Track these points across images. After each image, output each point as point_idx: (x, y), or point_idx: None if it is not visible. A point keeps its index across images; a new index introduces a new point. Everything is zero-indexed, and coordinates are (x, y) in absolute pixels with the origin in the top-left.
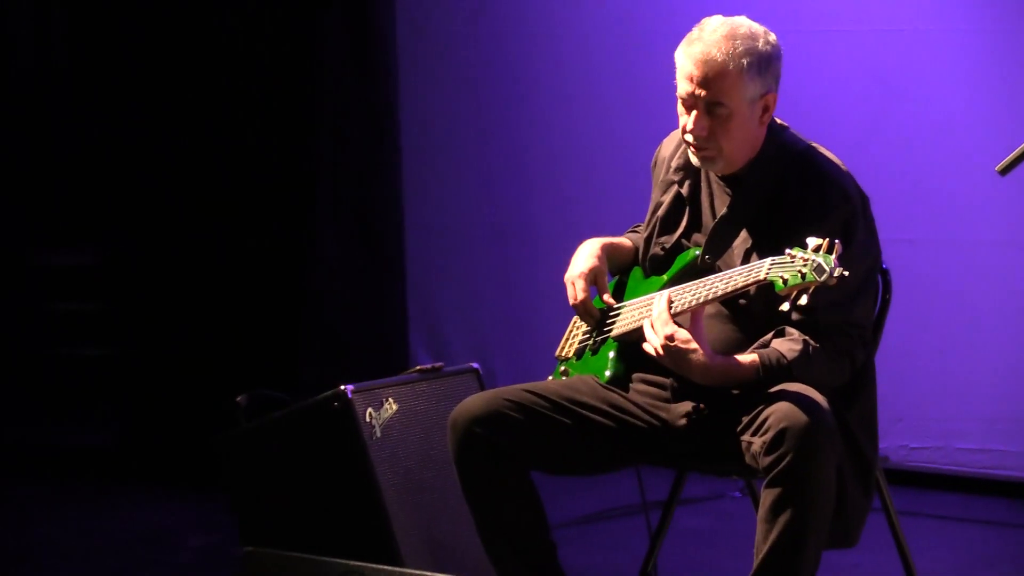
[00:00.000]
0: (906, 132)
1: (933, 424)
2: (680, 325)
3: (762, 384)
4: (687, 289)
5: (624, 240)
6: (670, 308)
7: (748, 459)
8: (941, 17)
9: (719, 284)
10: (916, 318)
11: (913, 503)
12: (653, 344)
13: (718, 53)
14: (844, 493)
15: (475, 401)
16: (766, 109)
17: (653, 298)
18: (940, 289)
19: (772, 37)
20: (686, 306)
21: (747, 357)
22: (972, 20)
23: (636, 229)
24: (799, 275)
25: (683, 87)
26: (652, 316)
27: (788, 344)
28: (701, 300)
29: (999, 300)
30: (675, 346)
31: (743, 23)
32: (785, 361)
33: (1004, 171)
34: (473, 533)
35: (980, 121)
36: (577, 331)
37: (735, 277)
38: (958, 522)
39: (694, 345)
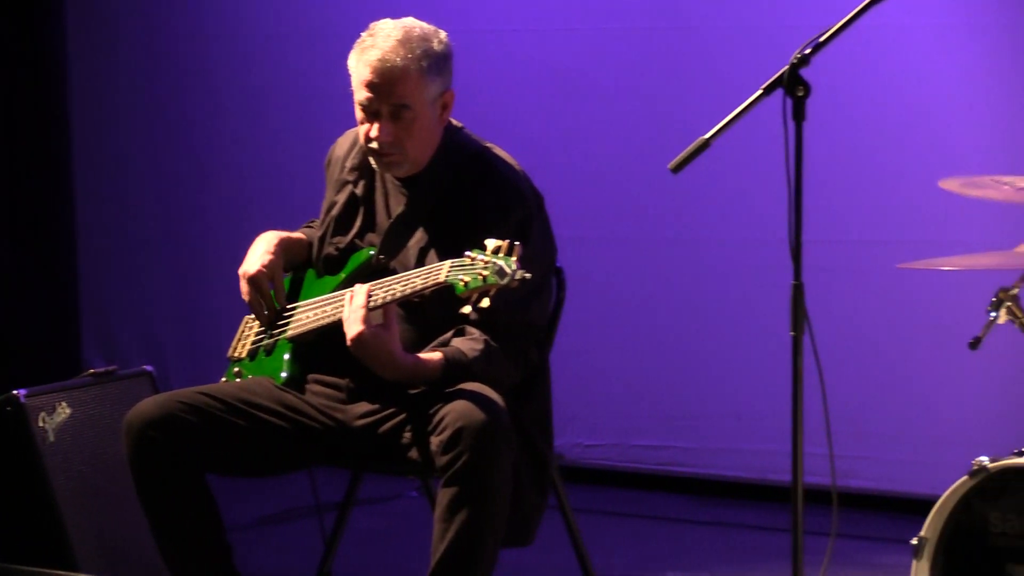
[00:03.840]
0: (581, 131)
1: (608, 421)
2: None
3: (445, 382)
4: (380, 286)
5: (301, 235)
6: (367, 303)
7: (425, 458)
8: (616, 15)
9: (397, 286)
10: (591, 316)
11: (589, 500)
12: (348, 336)
13: (396, 58)
14: (520, 491)
15: (149, 404)
16: (445, 107)
17: (328, 298)
18: (615, 287)
19: (443, 35)
20: (378, 303)
21: (433, 355)
22: (648, 18)
23: (311, 224)
24: (480, 278)
25: (362, 95)
26: (349, 309)
27: (469, 343)
28: (397, 297)
29: (672, 297)
30: (368, 341)
31: (414, 24)
32: (466, 360)
33: (676, 169)
34: (149, 536)
35: (654, 119)
36: (250, 331)
37: (414, 279)
38: (634, 519)
39: (386, 341)
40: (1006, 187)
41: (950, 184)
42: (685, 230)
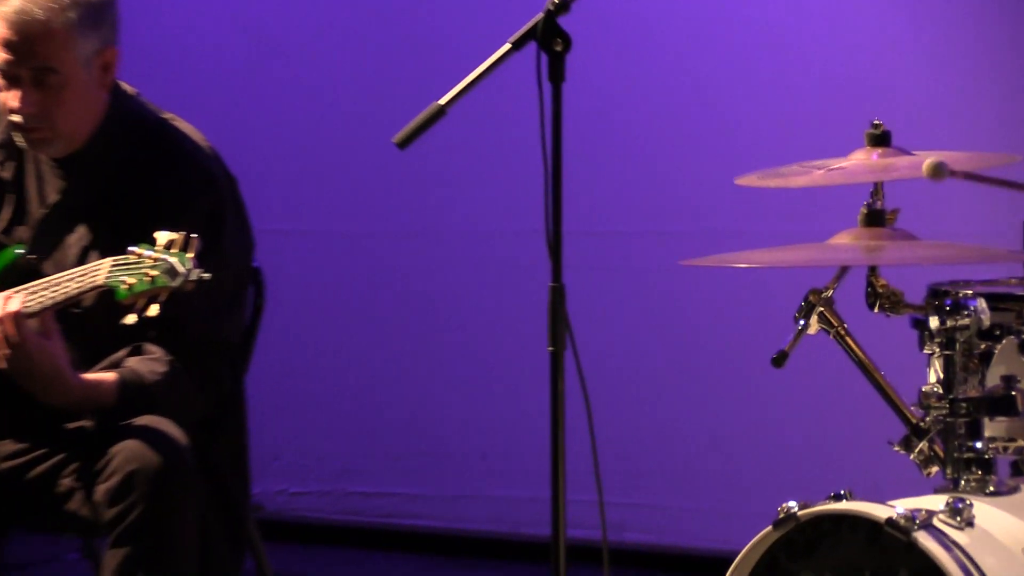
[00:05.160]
0: (286, 101)
1: (320, 462)
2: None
3: (120, 410)
4: (29, 291)
5: None
6: (19, 310)
7: (88, 511)
8: None
9: (47, 292)
10: (298, 329)
11: (296, 562)
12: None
13: (37, 10)
14: (209, 551)
15: None
16: (105, 69)
17: None
18: (329, 292)
19: None
20: (34, 309)
21: (106, 375)
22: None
23: None
24: (146, 279)
25: None
26: None
27: (149, 364)
28: (47, 305)
29: (401, 303)
30: (31, 352)
31: None
32: (145, 384)
33: (404, 143)
34: None
35: (378, 88)
36: None
37: (67, 282)
38: None
39: (50, 353)
40: (818, 171)
41: (747, 180)
42: (417, 221)
